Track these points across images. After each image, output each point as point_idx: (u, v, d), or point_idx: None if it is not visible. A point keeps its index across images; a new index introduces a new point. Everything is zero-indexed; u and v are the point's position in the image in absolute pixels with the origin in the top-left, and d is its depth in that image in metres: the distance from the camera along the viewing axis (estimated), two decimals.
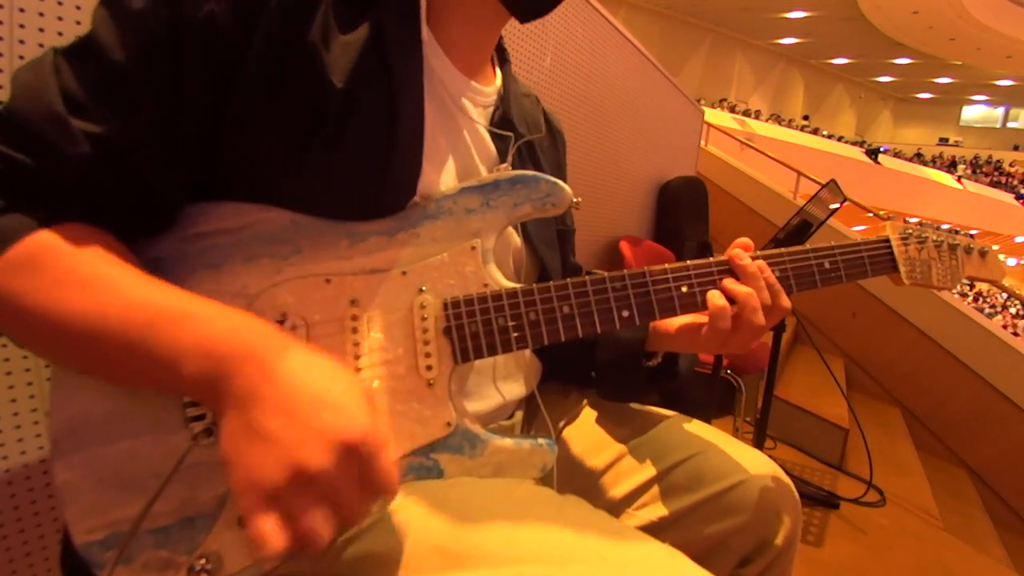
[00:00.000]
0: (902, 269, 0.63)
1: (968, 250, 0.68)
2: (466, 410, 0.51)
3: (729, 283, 0.55)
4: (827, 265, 0.59)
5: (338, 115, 0.47)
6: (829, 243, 0.61)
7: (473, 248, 0.51)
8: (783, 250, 0.58)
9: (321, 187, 0.48)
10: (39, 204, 0.39)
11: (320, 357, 0.38)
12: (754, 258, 0.56)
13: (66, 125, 0.39)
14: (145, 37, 0.41)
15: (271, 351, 0.36)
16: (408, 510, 0.45)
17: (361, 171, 0.48)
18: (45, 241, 0.39)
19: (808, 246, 0.59)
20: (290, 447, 0.33)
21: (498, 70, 0.66)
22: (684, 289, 0.55)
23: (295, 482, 0.32)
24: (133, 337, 0.37)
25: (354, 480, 0.34)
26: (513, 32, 1.46)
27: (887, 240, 0.64)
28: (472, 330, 0.50)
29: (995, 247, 0.68)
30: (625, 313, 0.53)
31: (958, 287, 0.67)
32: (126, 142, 0.41)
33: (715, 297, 0.54)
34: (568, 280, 0.52)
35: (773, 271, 0.56)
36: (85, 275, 0.38)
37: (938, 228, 0.68)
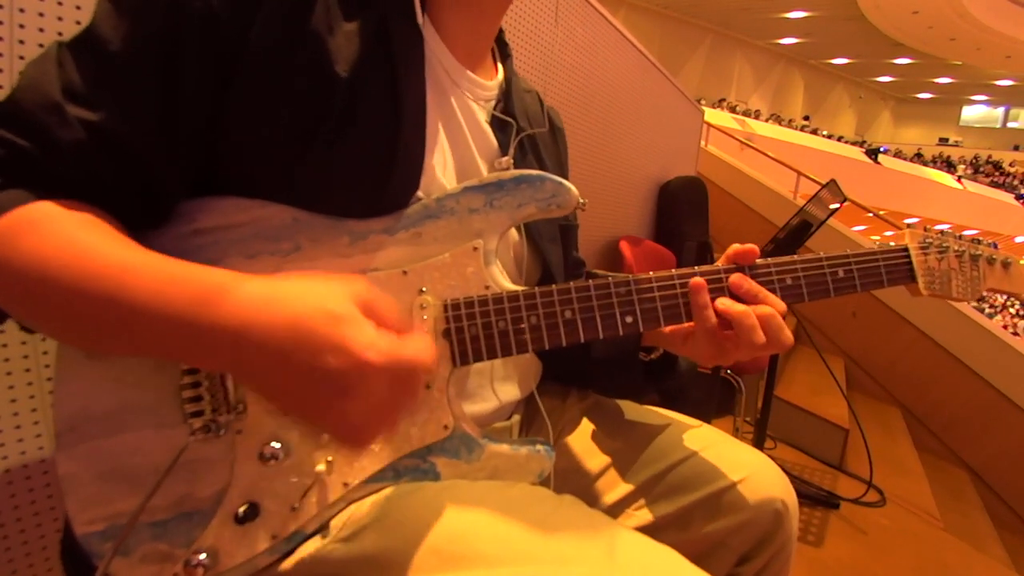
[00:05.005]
0: (920, 280, 0.61)
1: (991, 261, 0.64)
2: (464, 413, 0.51)
3: (724, 302, 0.53)
4: (841, 274, 0.57)
5: (343, 105, 0.47)
6: (834, 246, 0.59)
7: (475, 249, 0.51)
8: (795, 257, 0.56)
9: (324, 180, 0.47)
10: (38, 185, 0.40)
11: (305, 306, 0.37)
12: (764, 266, 0.55)
13: (61, 112, 0.40)
14: (142, 27, 0.42)
15: (259, 330, 0.36)
16: (403, 511, 0.45)
17: (365, 163, 0.48)
18: (38, 210, 0.39)
19: (822, 253, 0.57)
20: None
21: (499, 64, 0.65)
22: None
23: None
24: (113, 305, 0.37)
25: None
26: (511, 29, 1.46)
27: (905, 249, 0.61)
28: (472, 333, 0.49)
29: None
30: (629, 319, 0.52)
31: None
32: (123, 130, 0.42)
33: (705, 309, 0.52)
34: (571, 284, 0.51)
35: (785, 279, 0.55)
36: (69, 240, 0.39)
37: (959, 236, 0.64)
